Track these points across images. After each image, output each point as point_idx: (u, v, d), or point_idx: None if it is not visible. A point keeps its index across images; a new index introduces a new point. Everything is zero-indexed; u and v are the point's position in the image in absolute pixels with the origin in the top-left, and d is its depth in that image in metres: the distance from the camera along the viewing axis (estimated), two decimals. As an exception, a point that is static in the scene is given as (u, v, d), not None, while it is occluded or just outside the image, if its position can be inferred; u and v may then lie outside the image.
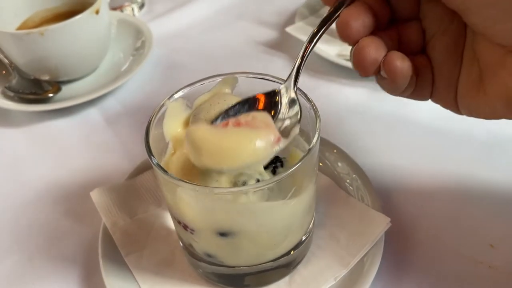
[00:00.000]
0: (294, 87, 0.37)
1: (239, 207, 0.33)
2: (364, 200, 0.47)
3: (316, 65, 0.70)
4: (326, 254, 0.43)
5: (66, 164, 0.58)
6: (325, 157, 0.51)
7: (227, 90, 0.41)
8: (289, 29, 0.74)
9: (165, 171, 0.33)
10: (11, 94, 0.65)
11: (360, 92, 0.65)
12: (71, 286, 0.45)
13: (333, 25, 0.75)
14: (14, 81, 0.67)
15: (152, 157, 0.34)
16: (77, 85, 0.69)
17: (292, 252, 0.41)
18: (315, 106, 0.37)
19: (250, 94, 0.42)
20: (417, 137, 0.57)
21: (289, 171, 0.32)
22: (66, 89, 0.68)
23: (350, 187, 0.48)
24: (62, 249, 0.48)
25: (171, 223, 0.47)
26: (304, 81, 0.67)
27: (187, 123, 0.40)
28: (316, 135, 0.35)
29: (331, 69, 0.69)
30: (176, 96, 0.39)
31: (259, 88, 0.42)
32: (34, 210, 0.53)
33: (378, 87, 0.67)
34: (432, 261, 0.44)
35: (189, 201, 0.34)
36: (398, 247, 0.45)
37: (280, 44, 0.76)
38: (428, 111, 0.60)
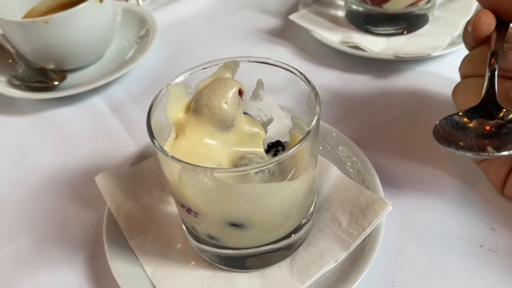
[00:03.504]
0: None
1: (239, 188, 0.33)
2: (365, 182, 0.47)
3: (319, 52, 0.70)
4: (327, 237, 0.43)
5: (71, 151, 0.59)
6: (326, 141, 0.51)
7: (228, 75, 0.41)
8: (292, 17, 0.74)
9: (167, 153, 0.33)
10: (18, 82, 0.66)
11: (362, 78, 0.65)
12: (76, 269, 0.46)
13: (337, 12, 0.75)
14: (20, 70, 0.68)
15: (154, 140, 0.35)
16: (82, 73, 0.70)
17: (292, 235, 0.41)
18: (315, 90, 0.38)
19: (251, 79, 0.43)
20: (420, 121, 0.57)
21: (288, 152, 0.32)
22: (71, 78, 0.68)
23: (351, 170, 0.49)
24: (67, 233, 0.49)
25: (174, 207, 0.47)
26: (307, 67, 0.68)
27: (188, 108, 0.41)
28: (316, 118, 0.35)
29: (334, 56, 0.69)
30: (177, 80, 0.40)
31: (260, 73, 0.43)
32: (40, 196, 0.53)
33: (380, 73, 0.67)
34: (432, 245, 0.44)
35: (191, 183, 0.34)
36: (399, 230, 0.45)
37: (284, 32, 0.76)
38: (432, 89, 0.61)
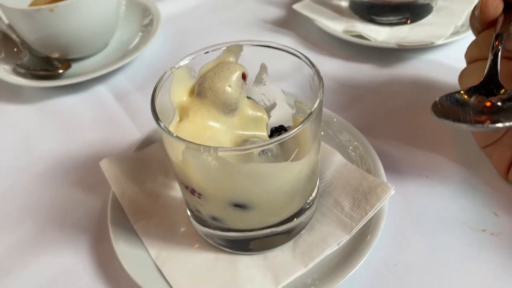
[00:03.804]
0: None
1: (243, 168, 0.34)
2: (368, 168, 0.47)
3: (323, 41, 0.71)
4: (330, 221, 0.43)
5: (76, 138, 0.60)
6: (329, 127, 0.52)
7: (232, 59, 0.42)
8: (296, 7, 0.74)
9: (171, 133, 0.34)
10: (23, 71, 0.67)
11: (365, 67, 0.65)
12: (81, 253, 0.46)
13: (341, 3, 0.75)
14: (25, 59, 0.68)
15: (159, 121, 0.35)
16: (86, 62, 0.70)
17: (295, 219, 0.41)
18: (319, 72, 0.38)
19: (254, 64, 0.43)
20: (423, 109, 0.57)
21: (291, 132, 0.33)
22: (76, 67, 0.69)
23: (353, 153, 0.49)
24: (72, 217, 0.49)
25: (178, 193, 0.48)
26: (310, 57, 0.67)
27: (192, 92, 0.41)
28: (318, 100, 0.35)
29: (338, 45, 0.69)
30: (181, 63, 0.40)
31: (263, 58, 0.43)
32: (45, 182, 0.54)
33: (383, 62, 0.67)
34: (435, 229, 0.44)
35: (195, 163, 0.35)
36: (401, 215, 0.45)
37: (287, 21, 0.76)
38: (435, 78, 0.61)
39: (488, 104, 0.37)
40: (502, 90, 0.38)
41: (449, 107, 0.38)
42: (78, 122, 0.62)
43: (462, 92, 0.40)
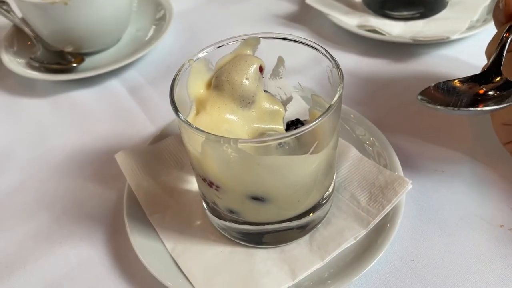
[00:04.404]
0: None
1: (262, 160, 0.34)
2: (385, 163, 0.47)
3: (336, 36, 0.70)
4: (347, 215, 0.43)
5: (90, 131, 0.60)
6: (345, 122, 0.51)
7: (249, 52, 0.41)
8: (309, 1, 0.73)
9: (191, 124, 0.34)
10: (36, 64, 0.67)
11: (379, 62, 0.65)
12: (96, 244, 0.46)
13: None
14: (39, 53, 0.68)
15: (178, 113, 0.35)
16: (100, 56, 0.70)
17: (311, 214, 0.41)
18: (338, 64, 0.37)
19: (271, 57, 0.43)
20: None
21: (312, 124, 0.32)
22: (89, 61, 0.69)
23: (370, 148, 0.49)
24: (88, 209, 0.50)
25: (193, 186, 0.48)
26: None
27: (209, 84, 0.41)
28: (338, 93, 0.35)
29: (351, 40, 0.69)
30: (199, 55, 0.40)
31: (280, 51, 0.43)
32: (60, 174, 0.54)
33: (397, 57, 0.66)
34: (452, 224, 0.44)
35: (214, 154, 0.34)
36: (418, 210, 0.45)
37: (300, 16, 0.76)
38: (450, 73, 0.60)
39: (481, 91, 0.37)
40: (498, 78, 0.38)
41: (442, 93, 0.38)
42: (92, 115, 0.62)
43: (457, 80, 0.39)
